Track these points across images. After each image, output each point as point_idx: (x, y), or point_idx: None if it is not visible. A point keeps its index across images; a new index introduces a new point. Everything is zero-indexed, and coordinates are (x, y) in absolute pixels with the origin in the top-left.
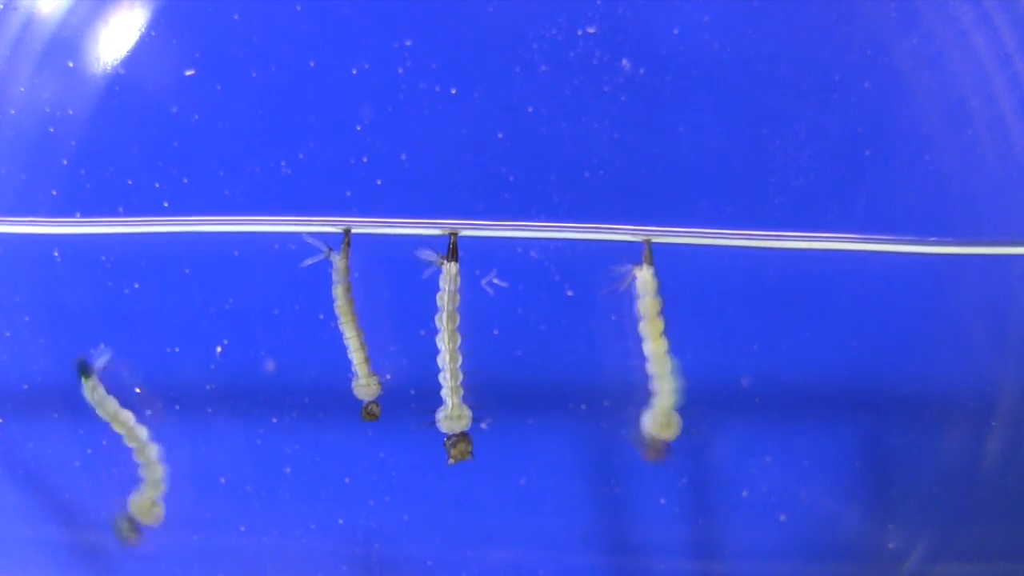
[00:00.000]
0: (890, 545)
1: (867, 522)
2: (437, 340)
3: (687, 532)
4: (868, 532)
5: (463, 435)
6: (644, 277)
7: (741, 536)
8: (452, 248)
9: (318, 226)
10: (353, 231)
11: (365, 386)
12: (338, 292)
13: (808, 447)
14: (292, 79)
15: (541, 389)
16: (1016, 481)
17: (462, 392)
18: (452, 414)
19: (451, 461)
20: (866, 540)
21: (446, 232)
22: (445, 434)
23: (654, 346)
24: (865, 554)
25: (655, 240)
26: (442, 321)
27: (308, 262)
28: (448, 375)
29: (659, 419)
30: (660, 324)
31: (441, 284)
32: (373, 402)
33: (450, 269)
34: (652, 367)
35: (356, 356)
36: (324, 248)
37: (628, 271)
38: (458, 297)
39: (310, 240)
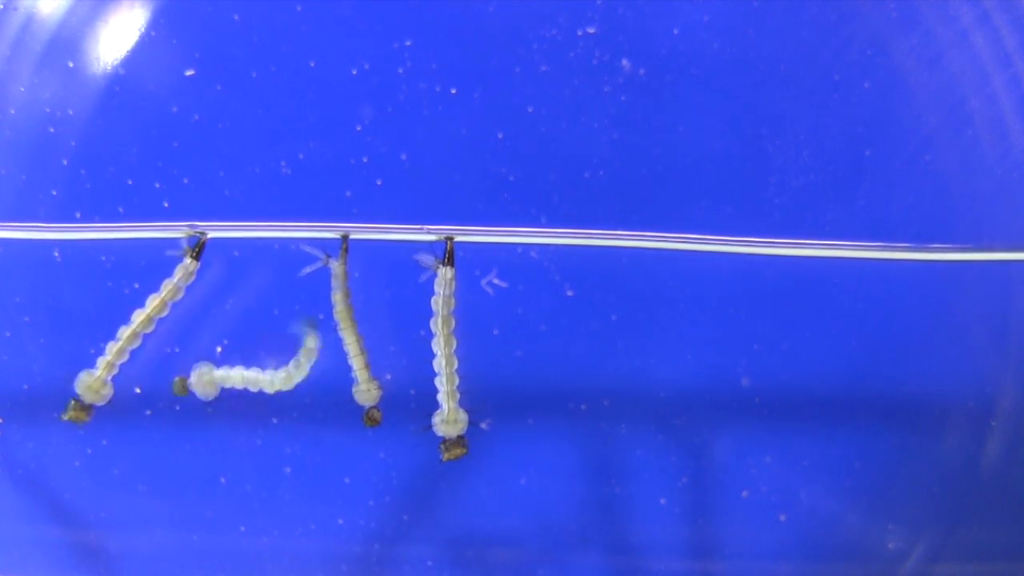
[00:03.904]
0: (890, 545)
1: (867, 522)
2: (433, 344)
3: (687, 532)
4: (868, 532)
5: (459, 438)
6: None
7: (741, 536)
8: (449, 253)
9: (317, 231)
10: (351, 236)
11: (366, 391)
12: (337, 298)
13: (808, 447)
14: (292, 79)
15: (541, 389)
16: (1016, 481)
17: (459, 396)
18: (449, 418)
19: (444, 458)
20: (866, 540)
21: (442, 238)
22: (442, 437)
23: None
24: (865, 554)
25: (659, 245)
26: (437, 325)
27: (307, 270)
28: (444, 379)
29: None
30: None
31: (436, 288)
32: (374, 407)
33: (446, 273)
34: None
35: (356, 362)
36: (322, 255)
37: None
38: (453, 301)
39: (308, 249)
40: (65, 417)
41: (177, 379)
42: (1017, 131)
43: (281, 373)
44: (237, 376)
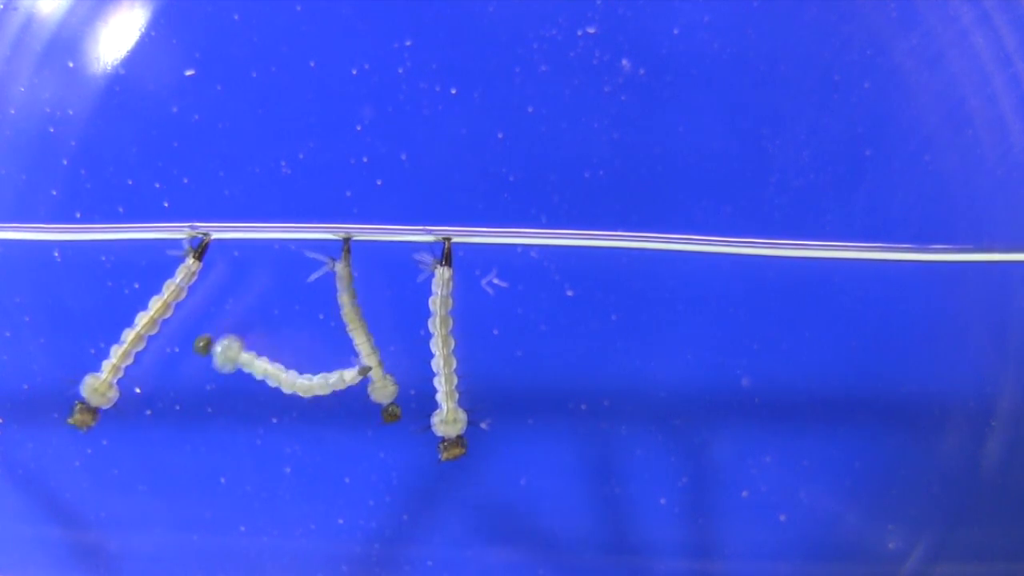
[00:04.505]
0: (890, 545)
1: (867, 522)
2: (431, 344)
3: (687, 532)
4: (868, 532)
5: (458, 438)
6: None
7: (741, 536)
8: (446, 253)
9: (319, 232)
10: (353, 237)
11: (381, 388)
12: (344, 300)
13: (808, 447)
14: (292, 79)
15: (541, 389)
16: (1016, 481)
17: (457, 396)
18: (447, 418)
19: (443, 458)
20: (866, 540)
21: (439, 239)
22: (441, 437)
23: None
24: (865, 554)
25: (659, 246)
26: (435, 325)
27: (313, 276)
28: (443, 379)
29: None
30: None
31: (434, 288)
32: (393, 403)
33: (443, 274)
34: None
35: (369, 360)
36: (326, 260)
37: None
38: (451, 301)
39: (311, 254)
40: (71, 421)
41: (203, 338)
42: (1017, 131)
43: (305, 381)
44: (260, 367)
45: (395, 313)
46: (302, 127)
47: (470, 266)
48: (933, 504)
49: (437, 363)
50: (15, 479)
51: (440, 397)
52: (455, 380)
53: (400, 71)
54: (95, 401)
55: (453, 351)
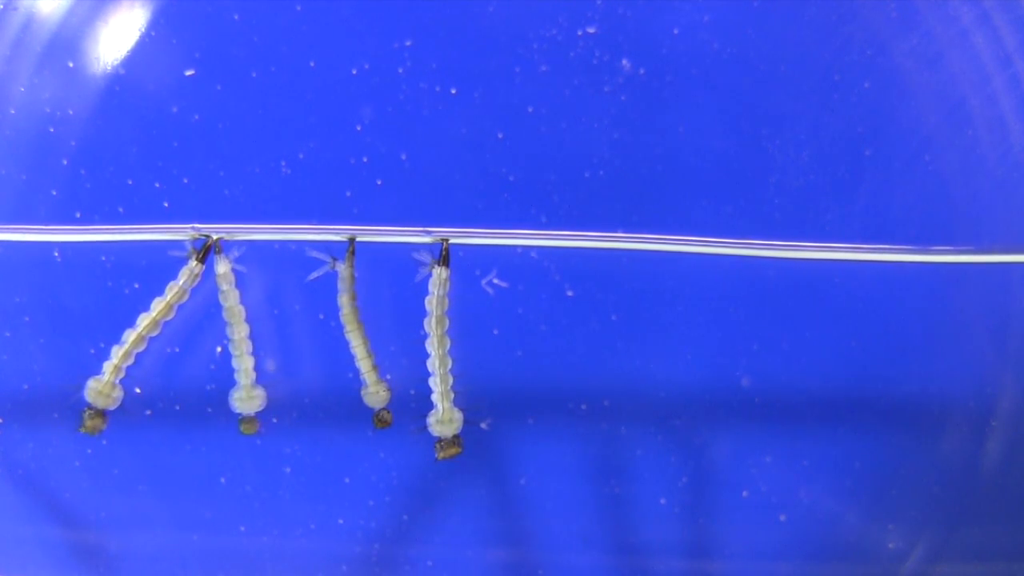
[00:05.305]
0: (890, 545)
1: (867, 522)
2: (427, 344)
3: (687, 532)
4: (868, 532)
5: (455, 438)
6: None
7: (741, 536)
8: (444, 254)
9: (316, 234)
10: (357, 238)
11: (374, 393)
12: (343, 301)
13: (808, 447)
14: (292, 79)
15: (541, 389)
16: (1016, 481)
17: (453, 396)
18: (443, 418)
19: (439, 457)
20: (866, 540)
21: (437, 239)
22: (437, 437)
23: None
24: (865, 554)
25: (659, 246)
26: (431, 325)
27: (314, 275)
28: (438, 379)
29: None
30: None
31: (431, 288)
32: (384, 409)
33: (440, 274)
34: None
35: (363, 364)
36: (329, 260)
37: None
38: (447, 301)
39: (314, 253)
40: (83, 429)
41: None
42: (1017, 131)
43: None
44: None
45: (394, 313)
46: (302, 127)
47: (470, 266)
48: (933, 504)
49: (432, 363)
50: (15, 479)
51: (435, 397)
52: (451, 380)
53: (400, 71)
54: (100, 403)
55: (449, 351)
